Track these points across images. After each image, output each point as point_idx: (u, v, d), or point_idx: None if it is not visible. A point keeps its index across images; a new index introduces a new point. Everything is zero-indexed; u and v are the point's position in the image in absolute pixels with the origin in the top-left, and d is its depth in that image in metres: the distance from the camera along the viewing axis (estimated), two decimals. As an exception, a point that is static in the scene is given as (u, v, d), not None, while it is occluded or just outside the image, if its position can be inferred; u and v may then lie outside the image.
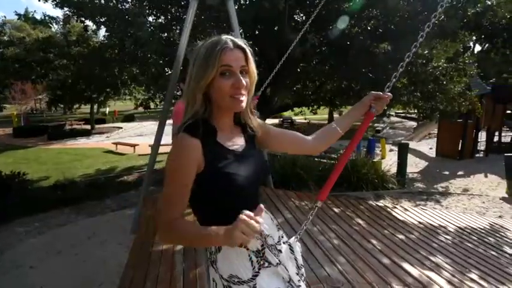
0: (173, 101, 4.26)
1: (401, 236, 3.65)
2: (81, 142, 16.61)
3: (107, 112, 28.16)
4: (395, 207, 4.90)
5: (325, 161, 8.15)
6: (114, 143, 13.96)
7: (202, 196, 0.99)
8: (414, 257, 3.15)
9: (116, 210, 6.70)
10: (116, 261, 3.83)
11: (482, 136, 12.53)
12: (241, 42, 1.01)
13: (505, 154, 8.24)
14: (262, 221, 0.85)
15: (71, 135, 18.11)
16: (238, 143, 1.07)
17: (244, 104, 1.02)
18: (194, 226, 0.97)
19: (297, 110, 12.96)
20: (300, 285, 1.11)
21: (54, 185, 7.87)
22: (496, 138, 12.99)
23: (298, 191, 5.40)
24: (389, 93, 1.23)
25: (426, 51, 7.71)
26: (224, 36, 1.00)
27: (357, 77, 7.38)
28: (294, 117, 19.01)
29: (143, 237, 3.37)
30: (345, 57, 6.99)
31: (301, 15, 7.85)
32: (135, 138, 16.95)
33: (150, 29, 5.11)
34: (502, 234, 4.44)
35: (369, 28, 7.29)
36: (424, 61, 7.48)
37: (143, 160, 11.32)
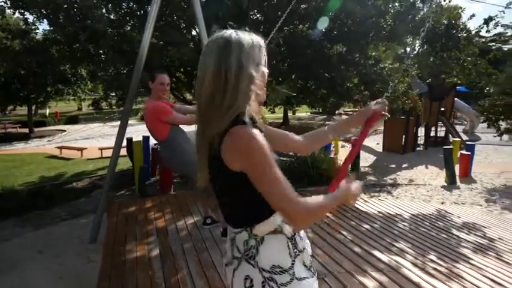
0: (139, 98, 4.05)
1: (366, 226, 3.90)
2: (19, 147, 15.03)
3: (48, 114, 25.77)
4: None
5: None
6: (58, 147, 12.85)
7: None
8: (381, 244, 3.39)
9: (67, 220, 6.16)
10: (74, 275, 3.54)
11: (421, 131, 13.83)
12: None
13: (444, 147, 9.16)
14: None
15: (4, 140, 16.30)
16: None
17: None
18: (319, 197, 0.97)
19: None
20: (315, 271, 1.14)
21: (-11, 195, 7.03)
22: (432, 133, 14.41)
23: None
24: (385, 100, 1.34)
25: (374, 53, 8.30)
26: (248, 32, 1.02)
27: (313, 77, 7.68)
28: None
29: (113, 245, 3.18)
30: (302, 57, 7.24)
31: (259, 15, 7.98)
32: (82, 141, 15.79)
33: (106, 23, 4.81)
34: (448, 218, 4.95)
35: (323, 30, 7.65)
36: (373, 62, 8.05)
37: (93, 165, 10.59)
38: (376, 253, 3.10)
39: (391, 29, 6.17)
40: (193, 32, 7.04)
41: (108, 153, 11.09)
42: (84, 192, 7.87)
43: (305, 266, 1.09)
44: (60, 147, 12.72)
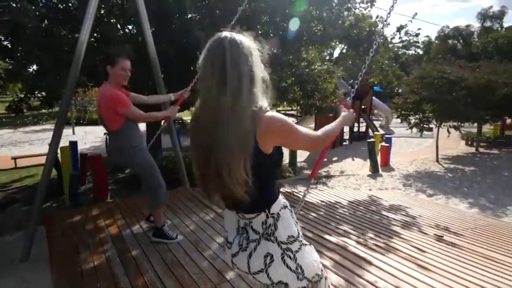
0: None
1: (314, 214, 4.27)
2: None
3: None
4: (300, 191, 5.59)
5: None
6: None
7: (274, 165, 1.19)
8: (328, 228, 3.76)
9: (-21, 240, 5.37)
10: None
11: (346, 127, 15.26)
12: None
13: (368, 140, 10.26)
14: None
15: None
16: None
17: None
18: (327, 127, 1.34)
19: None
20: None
21: None
22: (355, 129, 15.99)
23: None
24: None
25: (305, 55, 8.92)
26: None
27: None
28: (185, 118, 18.72)
29: (63, 257, 2.94)
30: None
31: (195, 14, 7.93)
32: (-12, 150, 13.68)
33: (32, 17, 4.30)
34: (378, 202, 5.65)
35: (260, 32, 7.96)
36: (306, 64, 8.65)
37: (5, 176, 9.29)
38: (326, 236, 3.44)
39: (321, 34, 6.75)
40: (136, 30, 6.72)
41: (24, 162, 9.88)
42: (-1, 207, 6.90)
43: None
44: (-41, 158, 10.88)
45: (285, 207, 1.22)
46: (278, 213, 1.17)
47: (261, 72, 1.12)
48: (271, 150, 1.11)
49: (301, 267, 1.18)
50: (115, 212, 3.91)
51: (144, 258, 2.77)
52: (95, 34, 6.06)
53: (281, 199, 1.22)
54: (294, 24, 6.93)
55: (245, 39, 1.11)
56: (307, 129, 1.22)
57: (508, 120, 17.11)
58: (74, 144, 8.59)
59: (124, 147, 2.77)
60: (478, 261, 3.16)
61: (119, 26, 6.83)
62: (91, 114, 20.87)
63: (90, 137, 15.90)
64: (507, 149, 12.96)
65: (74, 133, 16.19)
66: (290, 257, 1.16)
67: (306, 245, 1.25)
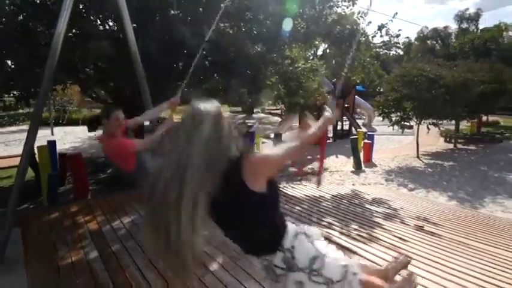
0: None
1: (298, 207, 4.29)
2: None
3: None
4: (285, 187, 5.61)
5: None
6: None
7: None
8: (312, 220, 3.79)
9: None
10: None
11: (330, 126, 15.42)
12: None
13: (351, 137, 10.41)
14: None
15: None
16: None
17: None
18: (312, 129, 1.39)
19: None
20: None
21: None
22: (339, 127, 16.19)
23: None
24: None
25: (289, 53, 8.97)
26: None
27: (236, 75, 7.91)
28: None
29: (40, 255, 2.84)
30: (224, 55, 7.39)
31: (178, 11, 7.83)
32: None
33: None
34: (361, 196, 5.73)
35: (243, 30, 7.94)
36: (289, 62, 8.69)
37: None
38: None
39: (305, 32, 6.80)
40: (117, 27, 6.58)
41: (0, 164, 9.48)
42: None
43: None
44: None
45: (297, 235, 1.29)
46: (292, 246, 1.24)
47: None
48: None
49: (329, 278, 1.29)
50: (95, 209, 3.81)
51: (125, 253, 2.71)
52: (74, 30, 5.90)
53: (290, 229, 1.29)
54: (278, 22, 6.96)
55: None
56: (281, 147, 1.26)
57: (484, 118, 17.77)
58: (52, 144, 8.30)
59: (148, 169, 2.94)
60: (456, 249, 3.25)
61: (99, 22, 6.67)
62: (70, 114, 20.29)
63: (70, 138, 15.45)
64: (483, 145, 13.43)
65: (52, 133, 15.69)
66: (316, 275, 1.26)
67: (325, 255, 1.31)
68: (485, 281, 2.53)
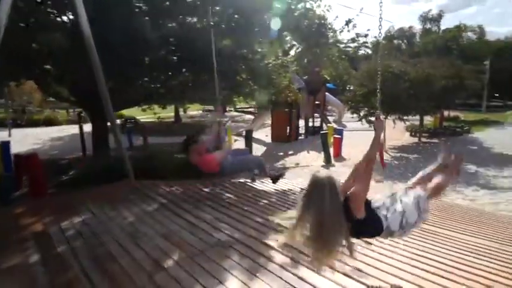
0: None
1: (264, 201, 4.21)
2: None
3: None
4: (254, 182, 5.50)
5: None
6: None
7: None
8: (279, 212, 3.68)
9: None
10: None
11: (302, 122, 15.55)
12: None
13: (321, 132, 10.50)
14: None
15: None
16: None
17: None
18: (370, 145, 1.99)
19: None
20: None
21: None
22: (310, 124, 16.36)
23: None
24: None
25: (260, 49, 8.86)
26: None
27: (206, 70, 7.68)
28: (139, 116, 17.77)
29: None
30: (192, 50, 7.15)
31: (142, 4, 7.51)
32: None
33: None
34: (330, 188, 5.72)
35: (211, 23, 7.73)
36: (260, 57, 8.58)
37: None
38: (276, 220, 3.35)
39: (273, 23, 6.74)
40: (68, 18, 6.17)
41: None
42: None
43: None
44: None
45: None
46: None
47: None
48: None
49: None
50: (44, 209, 3.51)
51: (71, 255, 2.48)
52: (32, 20, 5.47)
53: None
54: (248, 17, 6.82)
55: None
56: (352, 174, 2.05)
57: (446, 113, 18.61)
58: (5, 145, 7.74)
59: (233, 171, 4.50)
60: (428, 238, 3.25)
61: (55, 12, 6.23)
62: (31, 115, 19.08)
63: (30, 139, 14.57)
64: (445, 138, 14.06)
65: (10, 135, 14.69)
66: None
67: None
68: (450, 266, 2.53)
